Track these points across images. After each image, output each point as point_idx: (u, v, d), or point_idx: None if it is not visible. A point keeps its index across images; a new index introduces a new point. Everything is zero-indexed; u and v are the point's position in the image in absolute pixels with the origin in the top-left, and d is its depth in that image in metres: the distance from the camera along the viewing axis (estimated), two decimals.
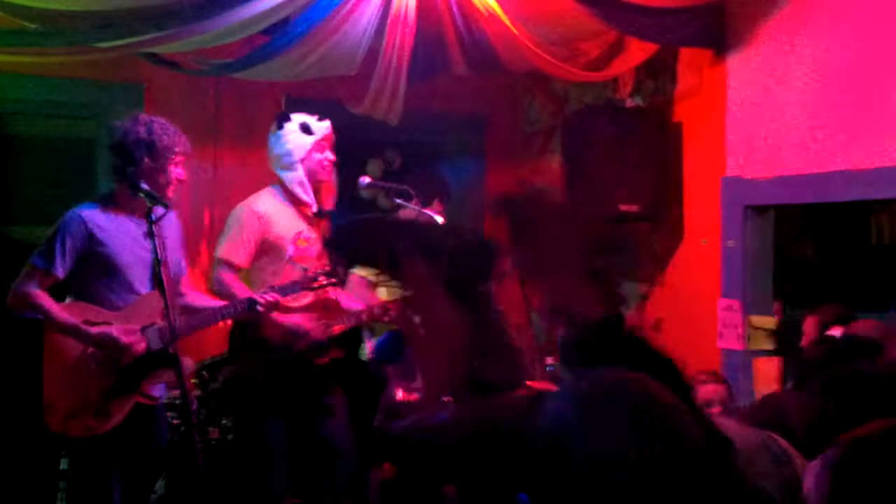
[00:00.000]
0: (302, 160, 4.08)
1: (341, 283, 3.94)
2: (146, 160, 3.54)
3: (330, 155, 4.15)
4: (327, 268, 3.92)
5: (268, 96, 5.12)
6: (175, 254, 3.73)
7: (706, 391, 3.55)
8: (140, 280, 3.59)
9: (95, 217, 3.55)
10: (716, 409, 3.44)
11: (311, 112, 4.22)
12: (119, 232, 3.57)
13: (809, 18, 4.07)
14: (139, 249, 3.56)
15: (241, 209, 4.07)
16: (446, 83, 5.00)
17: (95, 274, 3.53)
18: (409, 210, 4.77)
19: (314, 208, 4.11)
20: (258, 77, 4.60)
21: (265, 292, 3.79)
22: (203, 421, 4.37)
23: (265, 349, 3.95)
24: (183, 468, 4.07)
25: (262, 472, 4.00)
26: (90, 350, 3.44)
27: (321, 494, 4.19)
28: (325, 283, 3.91)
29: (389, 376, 4.69)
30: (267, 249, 4.02)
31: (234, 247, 3.98)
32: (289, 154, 4.08)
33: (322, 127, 4.14)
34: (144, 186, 3.47)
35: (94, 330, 3.44)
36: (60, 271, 3.47)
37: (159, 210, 3.44)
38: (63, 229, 3.50)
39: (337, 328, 4.11)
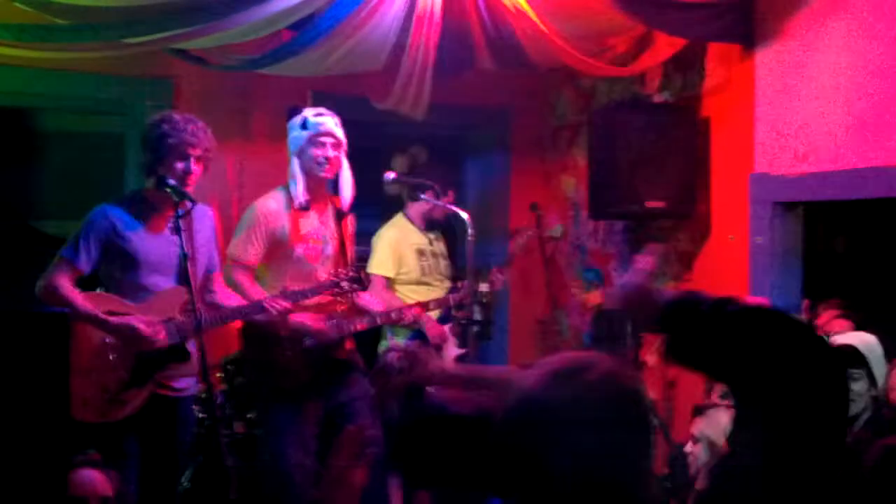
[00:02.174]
0: (297, 155, 4.02)
1: (363, 287, 3.92)
2: (164, 155, 3.58)
3: (329, 152, 3.99)
4: (349, 273, 3.90)
5: (295, 92, 5.13)
6: (206, 249, 3.77)
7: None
8: (165, 275, 3.64)
9: (122, 212, 3.63)
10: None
11: (331, 106, 4.15)
12: (145, 228, 3.63)
13: (840, 11, 4.02)
14: (166, 245, 3.59)
15: (251, 207, 4.08)
16: (472, 78, 4.99)
17: (120, 268, 3.60)
18: (433, 204, 4.82)
19: (297, 202, 4.00)
20: (285, 73, 4.61)
21: (276, 297, 3.79)
22: (228, 415, 4.39)
23: (272, 344, 3.94)
24: (208, 462, 4.09)
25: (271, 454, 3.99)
26: (109, 340, 3.51)
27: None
28: (347, 288, 3.90)
29: None
30: (275, 248, 3.99)
31: (242, 245, 3.98)
32: (289, 146, 4.08)
33: (318, 122, 4.01)
34: (171, 182, 3.51)
35: (115, 319, 3.51)
36: (85, 265, 3.56)
37: (187, 205, 3.48)
38: (88, 224, 3.59)
39: (352, 328, 4.08)
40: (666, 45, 4.66)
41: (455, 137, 6.16)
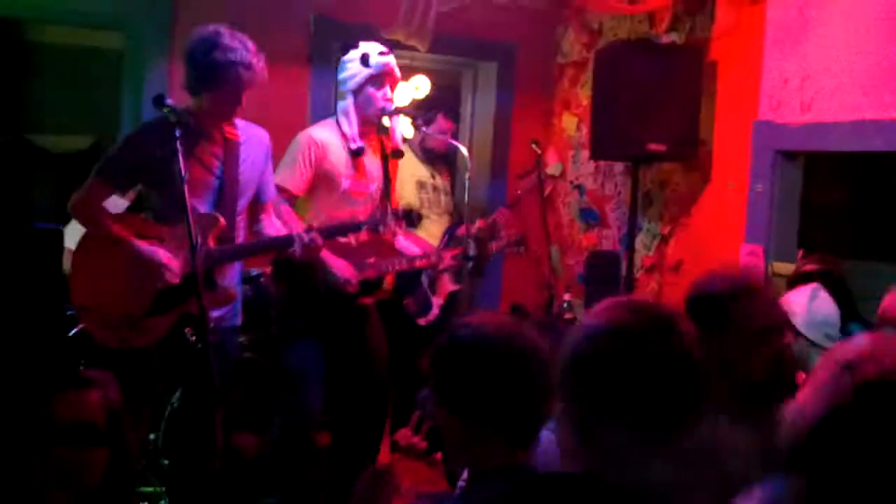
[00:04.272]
0: (354, 91, 3.87)
1: (413, 225, 3.73)
2: (222, 85, 3.32)
3: (389, 93, 3.87)
4: (396, 209, 3.70)
5: (297, 15, 5.04)
6: (253, 176, 3.52)
7: None
8: (202, 201, 3.38)
9: (161, 133, 3.22)
10: None
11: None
12: (185, 150, 3.21)
13: None
14: (206, 170, 3.40)
15: (300, 136, 3.90)
16: (478, 10, 4.92)
17: (157, 191, 3.40)
18: (431, 135, 4.79)
19: (353, 144, 3.88)
20: None
21: (309, 231, 3.53)
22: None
23: (306, 279, 3.82)
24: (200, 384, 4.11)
25: (294, 391, 3.91)
26: (137, 265, 3.33)
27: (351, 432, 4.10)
28: (392, 227, 3.67)
29: (409, 308, 4.72)
30: (322, 180, 3.86)
31: (289, 173, 3.82)
32: (343, 82, 3.92)
33: (381, 61, 3.85)
34: (169, 102, 3.14)
35: (142, 245, 3.34)
36: (113, 185, 3.43)
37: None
38: (124, 144, 3.44)
39: (388, 272, 3.99)
40: None
41: (458, 70, 6.08)
